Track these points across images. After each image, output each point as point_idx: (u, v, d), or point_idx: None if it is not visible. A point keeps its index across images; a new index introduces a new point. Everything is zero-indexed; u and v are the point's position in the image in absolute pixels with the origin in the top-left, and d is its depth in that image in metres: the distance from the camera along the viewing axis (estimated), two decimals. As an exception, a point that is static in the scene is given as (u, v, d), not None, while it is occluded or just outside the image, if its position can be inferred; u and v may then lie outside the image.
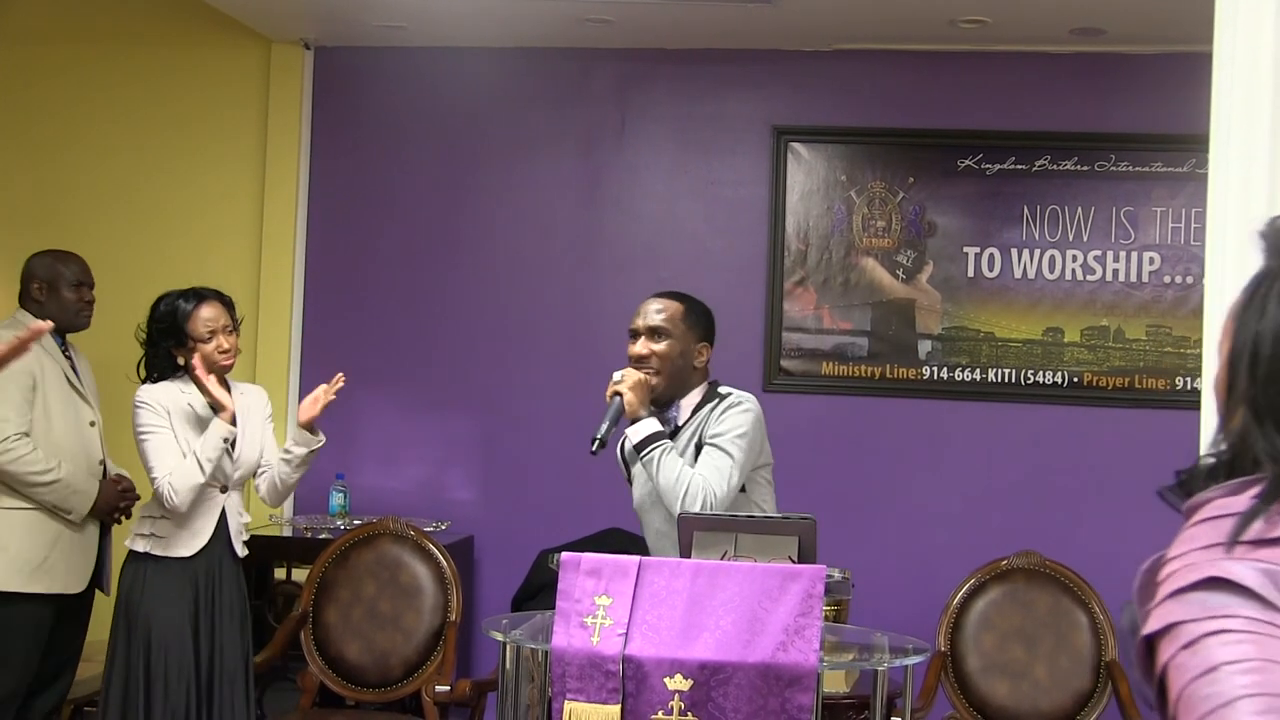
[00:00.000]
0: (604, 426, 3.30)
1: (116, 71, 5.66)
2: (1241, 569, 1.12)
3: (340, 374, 3.96)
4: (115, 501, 4.20)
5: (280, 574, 5.26)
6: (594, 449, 3.29)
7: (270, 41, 5.55)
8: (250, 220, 5.59)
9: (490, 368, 5.48)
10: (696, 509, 3.19)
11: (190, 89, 5.63)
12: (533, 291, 5.48)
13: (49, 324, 3.34)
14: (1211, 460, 1.26)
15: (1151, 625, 1.15)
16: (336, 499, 5.34)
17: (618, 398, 3.34)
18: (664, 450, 3.28)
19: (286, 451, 3.94)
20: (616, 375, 3.40)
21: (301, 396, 5.52)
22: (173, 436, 3.82)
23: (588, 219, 5.49)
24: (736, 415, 3.36)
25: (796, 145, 5.35)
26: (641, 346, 3.45)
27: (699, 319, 3.52)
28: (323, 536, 4.97)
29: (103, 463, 4.26)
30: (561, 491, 5.36)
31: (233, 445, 3.89)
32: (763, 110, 5.38)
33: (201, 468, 3.79)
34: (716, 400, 3.43)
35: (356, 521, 5.00)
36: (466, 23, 5.19)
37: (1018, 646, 4.37)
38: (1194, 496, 1.22)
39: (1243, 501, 1.17)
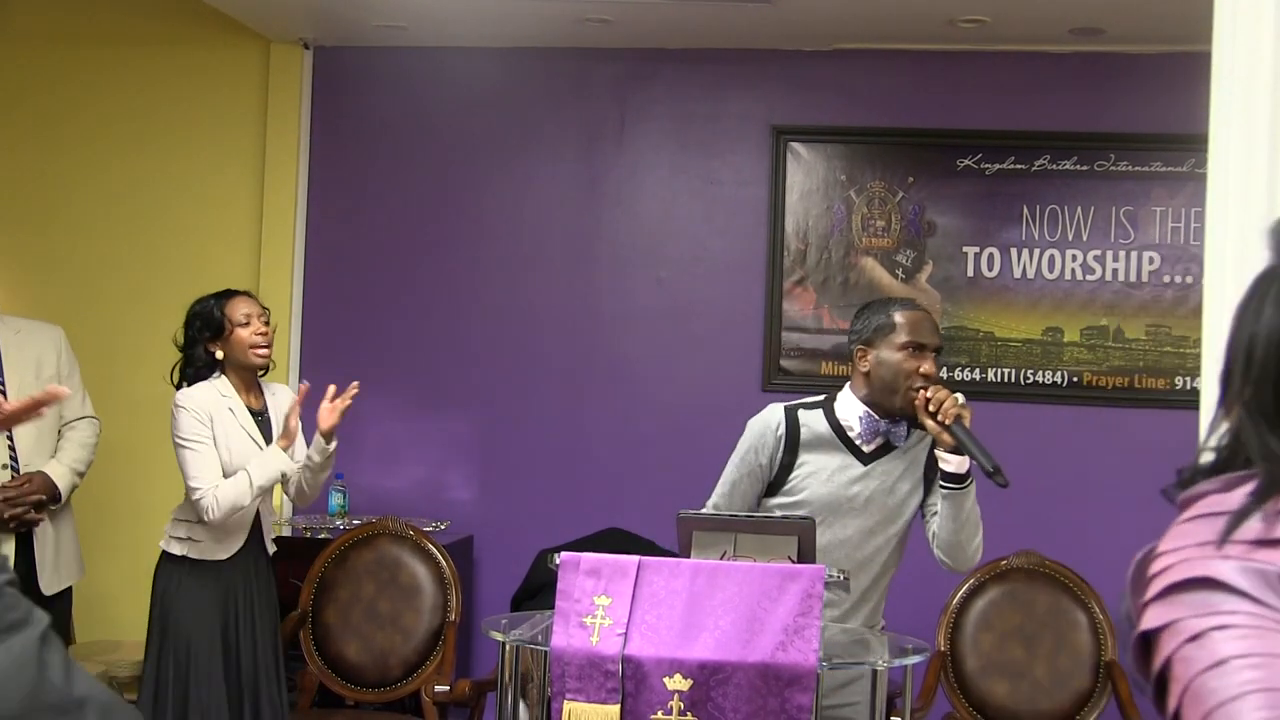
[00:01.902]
0: (984, 455, 3.09)
1: (116, 72, 5.66)
2: (1231, 570, 1.14)
3: (355, 383, 3.91)
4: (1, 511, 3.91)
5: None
6: (1004, 481, 3.09)
7: (269, 41, 5.55)
8: (250, 220, 5.58)
9: (490, 368, 5.48)
10: (980, 551, 3.24)
11: (190, 89, 5.63)
12: (532, 291, 5.48)
13: (66, 391, 3.12)
14: (1210, 457, 1.28)
15: (1152, 621, 1.16)
16: (336, 499, 5.34)
17: (960, 419, 3.13)
18: (974, 484, 3.19)
19: (309, 458, 3.92)
20: (960, 398, 3.16)
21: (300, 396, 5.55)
22: (214, 446, 3.80)
23: (588, 219, 5.49)
24: None
25: (796, 145, 5.35)
26: (933, 367, 3.21)
27: None
28: (322, 536, 4.97)
29: (8, 466, 4.01)
30: (561, 491, 5.36)
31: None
32: (762, 110, 5.38)
33: (251, 491, 3.78)
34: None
35: (356, 521, 5.00)
36: (466, 23, 5.19)
37: (1017, 646, 4.37)
38: (1186, 490, 1.25)
39: (1235, 499, 1.19)
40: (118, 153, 5.65)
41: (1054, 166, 5.21)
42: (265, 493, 3.85)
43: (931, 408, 3.11)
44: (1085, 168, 5.20)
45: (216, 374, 3.90)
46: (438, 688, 4.20)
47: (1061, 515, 5.09)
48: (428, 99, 5.57)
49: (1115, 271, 5.18)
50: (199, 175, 5.62)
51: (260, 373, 3.97)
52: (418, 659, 4.42)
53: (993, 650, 4.37)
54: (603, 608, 2.63)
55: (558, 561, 2.72)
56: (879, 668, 2.82)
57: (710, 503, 3.33)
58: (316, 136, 5.60)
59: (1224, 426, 1.28)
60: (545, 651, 2.67)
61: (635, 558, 2.71)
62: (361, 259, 5.58)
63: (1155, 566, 1.19)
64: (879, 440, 3.24)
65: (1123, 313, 5.17)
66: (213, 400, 3.85)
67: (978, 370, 5.24)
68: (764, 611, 2.58)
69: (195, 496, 3.77)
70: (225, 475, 3.80)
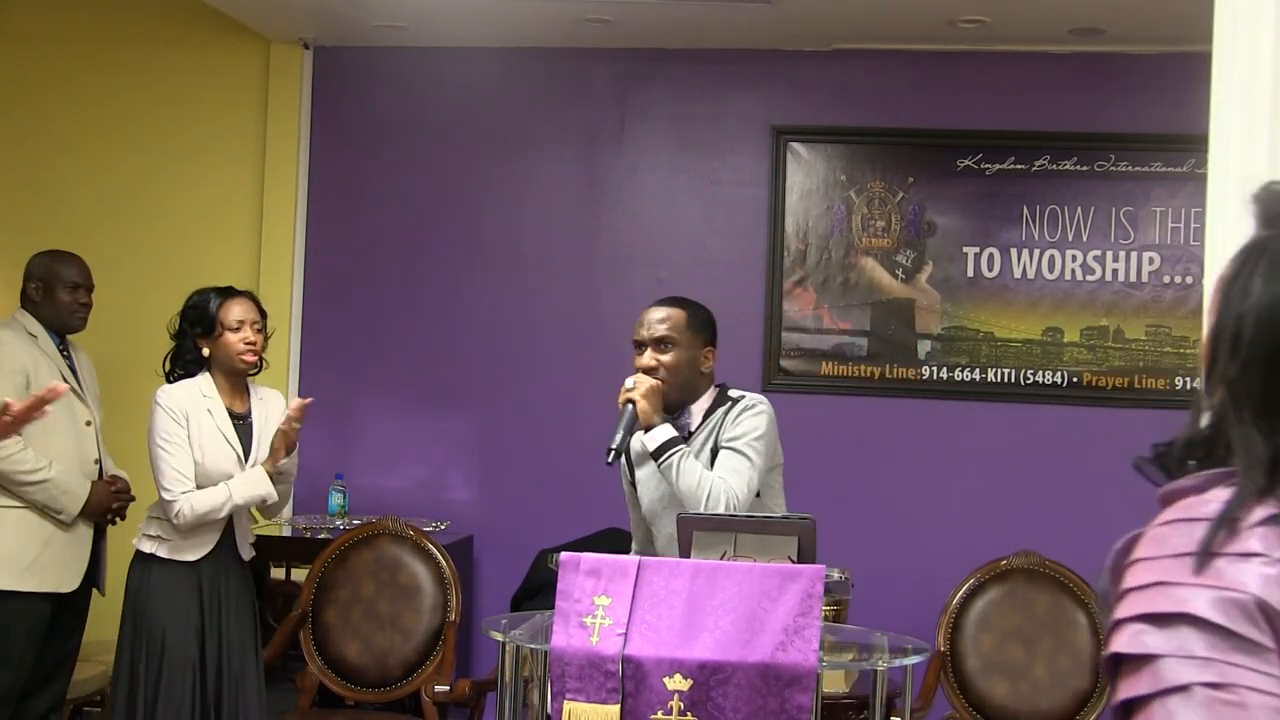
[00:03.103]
0: (619, 436, 3.27)
1: (116, 72, 5.66)
2: (1206, 605, 1.10)
3: (309, 399, 3.90)
4: (108, 503, 4.17)
5: (280, 574, 5.26)
6: (610, 460, 3.27)
7: (269, 41, 5.56)
8: (250, 220, 5.59)
9: (490, 367, 5.48)
10: (720, 508, 3.19)
11: (190, 89, 5.63)
12: (532, 291, 5.48)
13: (65, 387, 3.22)
14: (1188, 438, 1.23)
15: (1126, 646, 1.13)
16: (336, 499, 5.34)
17: (630, 405, 3.31)
18: (681, 455, 3.26)
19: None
20: (629, 382, 3.36)
21: (301, 396, 5.54)
22: (188, 447, 3.80)
23: (588, 219, 5.49)
24: (751, 418, 3.35)
25: (796, 145, 5.35)
26: (649, 358, 3.40)
27: (703, 323, 3.50)
28: (322, 536, 4.97)
29: (98, 463, 4.23)
30: (561, 491, 5.36)
31: (247, 453, 3.90)
32: (762, 110, 5.38)
33: (228, 507, 3.79)
34: (729, 404, 3.42)
35: (356, 521, 5.00)
36: (466, 23, 5.19)
37: (1017, 646, 4.36)
38: (1167, 484, 1.20)
39: (1211, 504, 1.15)
40: (117, 153, 5.65)
41: (1054, 166, 5.21)
42: (238, 510, 3.86)
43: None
44: (1085, 168, 5.20)
45: (203, 372, 3.89)
46: (438, 688, 4.20)
47: (1061, 515, 5.08)
48: (428, 99, 5.57)
49: (1115, 272, 5.18)
50: (199, 175, 5.62)
51: (252, 371, 3.95)
52: (418, 659, 4.42)
53: (993, 650, 4.37)
54: (603, 608, 2.63)
55: (557, 561, 2.72)
56: (878, 668, 2.82)
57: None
58: (316, 136, 5.60)
59: (1209, 404, 1.22)
60: (545, 651, 2.67)
61: (635, 558, 2.72)
62: (361, 259, 5.58)
63: (1133, 578, 1.16)
64: (683, 433, 3.37)
65: (1123, 313, 5.18)
66: (192, 400, 3.83)
67: (978, 370, 5.24)
68: (764, 611, 2.58)
69: (167, 499, 3.77)
70: (197, 473, 3.79)
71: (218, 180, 5.61)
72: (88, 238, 5.58)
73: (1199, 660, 1.09)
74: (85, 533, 4.17)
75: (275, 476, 3.88)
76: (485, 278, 5.50)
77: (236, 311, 3.87)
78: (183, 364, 3.91)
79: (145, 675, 3.78)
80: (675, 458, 3.25)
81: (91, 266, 5.65)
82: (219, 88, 5.62)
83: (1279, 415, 1.16)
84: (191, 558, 3.83)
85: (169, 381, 3.92)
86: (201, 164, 5.61)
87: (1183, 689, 1.08)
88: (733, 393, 3.46)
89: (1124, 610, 1.15)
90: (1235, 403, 1.18)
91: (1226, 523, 1.12)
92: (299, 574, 5.08)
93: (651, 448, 3.29)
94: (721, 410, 3.41)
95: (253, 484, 3.82)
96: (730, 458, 3.29)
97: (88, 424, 4.23)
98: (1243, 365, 1.18)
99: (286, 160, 5.56)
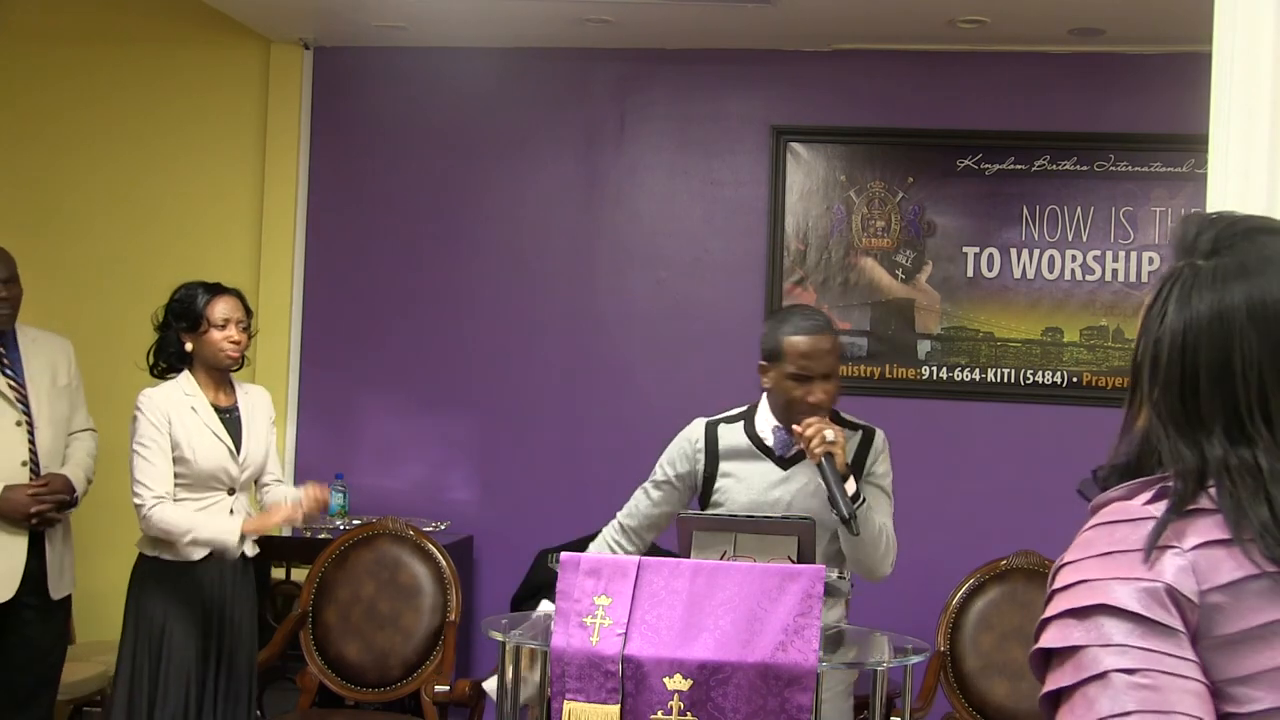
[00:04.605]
0: (842, 501, 2.97)
1: (116, 72, 5.66)
2: (1126, 594, 1.19)
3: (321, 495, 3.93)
4: (25, 507, 3.92)
5: (280, 574, 5.26)
6: (855, 531, 3.01)
7: (269, 41, 5.56)
8: (250, 220, 5.59)
9: (490, 368, 5.48)
10: (890, 563, 3.15)
11: (190, 89, 5.63)
12: (532, 291, 5.48)
13: None
14: (1121, 460, 1.33)
15: (1053, 640, 1.22)
16: (336, 499, 5.34)
17: (830, 457, 3.02)
18: (869, 507, 3.11)
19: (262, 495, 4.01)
20: (829, 435, 3.03)
21: (301, 396, 5.55)
22: (168, 451, 3.77)
23: (588, 219, 5.49)
24: (887, 458, 3.27)
25: (796, 145, 5.35)
26: (823, 394, 3.13)
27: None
28: (322, 536, 4.97)
29: (28, 464, 4.02)
30: (561, 491, 5.36)
31: (238, 446, 3.88)
32: (762, 110, 5.38)
33: (186, 538, 3.74)
34: (860, 435, 3.25)
35: (356, 521, 5.00)
36: (466, 23, 5.19)
37: (1016, 646, 4.37)
38: (1097, 496, 1.30)
39: (1137, 507, 1.24)
40: (117, 152, 5.65)
41: (1054, 166, 5.21)
42: (197, 546, 3.78)
43: (801, 445, 3.07)
44: (1085, 168, 5.20)
45: (184, 369, 3.87)
46: (438, 688, 4.20)
47: (1061, 515, 5.05)
48: (428, 99, 5.57)
49: (1115, 271, 5.18)
50: (199, 175, 5.62)
51: (234, 369, 3.94)
52: (418, 659, 4.42)
53: (992, 650, 4.37)
54: (602, 608, 2.63)
55: (557, 561, 2.72)
56: (878, 668, 2.82)
57: (618, 517, 3.47)
58: (316, 136, 5.60)
59: (1136, 426, 1.32)
60: (545, 651, 2.67)
61: (635, 558, 2.71)
62: (361, 259, 5.58)
63: (1059, 580, 1.25)
64: (797, 447, 3.17)
65: (1123, 313, 5.17)
66: (174, 400, 3.81)
67: (978, 370, 5.24)
68: (764, 611, 2.58)
69: (136, 503, 3.74)
70: (189, 471, 3.77)
71: (218, 180, 5.61)
72: (87, 237, 5.60)
73: (1116, 648, 1.17)
74: (11, 540, 3.95)
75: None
76: (485, 277, 5.50)
77: (223, 309, 3.86)
78: (165, 358, 3.89)
79: (147, 678, 3.76)
80: (865, 509, 3.07)
81: (91, 266, 5.66)
82: (219, 88, 5.62)
83: (1198, 431, 1.25)
84: (196, 558, 3.80)
85: (152, 374, 3.90)
86: (201, 163, 5.61)
87: (1100, 676, 1.17)
88: (851, 418, 3.28)
89: (1051, 609, 1.24)
90: (1160, 422, 1.28)
91: (1168, 523, 1.21)
92: (299, 574, 5.08)
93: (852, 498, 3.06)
94: (855, 438, 3.24)
95: (219, 532, 3.79)
96: (883, 502, 3.22)
97: (17, 424, 4.02)
98: (1163, 386, 1.28)
99: (286, 160, 5.56)
